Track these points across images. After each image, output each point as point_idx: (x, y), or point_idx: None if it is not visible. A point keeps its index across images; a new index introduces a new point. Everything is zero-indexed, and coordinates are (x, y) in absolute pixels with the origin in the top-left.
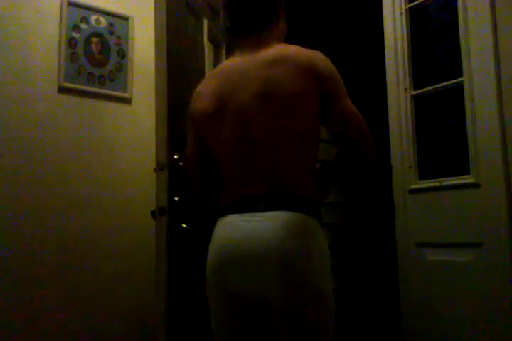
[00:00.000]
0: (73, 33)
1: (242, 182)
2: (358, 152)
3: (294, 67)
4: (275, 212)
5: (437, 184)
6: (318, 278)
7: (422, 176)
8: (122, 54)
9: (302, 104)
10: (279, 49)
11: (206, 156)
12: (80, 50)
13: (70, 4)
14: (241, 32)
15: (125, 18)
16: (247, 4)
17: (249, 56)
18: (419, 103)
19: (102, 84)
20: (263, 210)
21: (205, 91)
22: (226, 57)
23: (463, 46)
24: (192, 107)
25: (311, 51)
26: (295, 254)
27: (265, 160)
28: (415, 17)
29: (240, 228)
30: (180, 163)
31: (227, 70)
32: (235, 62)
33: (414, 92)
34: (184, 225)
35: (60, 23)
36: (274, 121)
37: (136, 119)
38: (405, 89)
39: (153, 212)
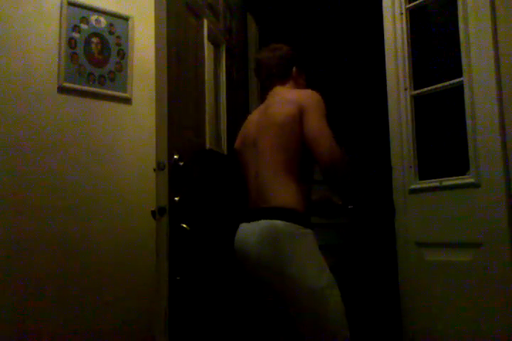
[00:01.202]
0: (73, 33)
1: (252, 195)
2: (321, 160)
3: (285, 104)
4: (261, 221)
5: (437, 184)
6: (293, 268)
7: (422, 176)
8: (122, 54)
9: (291, 125)
10: (283, 94)
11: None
12: (80, 50)
13: (70, 4)
14: (264, 86)
15: (125, 18)
16: (265, 69)
17: (265, 104)
18: (419, 103)
19: (102, 84)
20: (256, 219)
21: (240, 133)
22: (226, 57)
23: (463, 46)
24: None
25: (303, 91)
26: (265, 251)
27: (264, 177)
28: (415, 17)
29: (242, 232)
30: (181, 163)
31: (253, 116)
32: (259, 109)
33: (414, 92)
34: (184, 225)
35: (60, 23)
36: (271, 142)
37: (136, 119)
38: (405, 89)
39: (153, 212)
